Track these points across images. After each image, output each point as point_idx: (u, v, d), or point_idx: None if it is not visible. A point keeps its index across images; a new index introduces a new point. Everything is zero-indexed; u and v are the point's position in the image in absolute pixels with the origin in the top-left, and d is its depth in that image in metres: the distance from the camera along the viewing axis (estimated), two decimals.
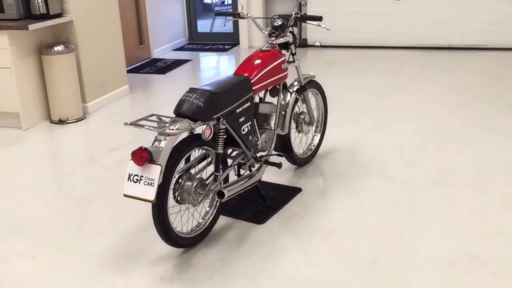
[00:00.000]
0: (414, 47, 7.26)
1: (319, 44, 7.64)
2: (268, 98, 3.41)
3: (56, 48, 4.73)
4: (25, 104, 4.74)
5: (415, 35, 7.23)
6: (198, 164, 2.88)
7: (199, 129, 2.73)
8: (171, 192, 2.70)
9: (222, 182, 2.98)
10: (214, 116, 2.76)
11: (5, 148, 4.43)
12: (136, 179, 2.53)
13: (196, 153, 2.91)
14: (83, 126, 4.90)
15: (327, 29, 3.40)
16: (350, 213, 3.21)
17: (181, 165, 2.72)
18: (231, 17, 3.37)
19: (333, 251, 2.84)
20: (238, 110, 2.94)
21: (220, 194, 2.81)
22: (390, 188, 3.48)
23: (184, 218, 2.99)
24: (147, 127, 2.49)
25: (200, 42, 8.25)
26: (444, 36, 7.11)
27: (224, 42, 8.08)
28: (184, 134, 2.71)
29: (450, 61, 6.59)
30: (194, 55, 7.66)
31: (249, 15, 3.38)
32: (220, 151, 2.84)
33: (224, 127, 2.84)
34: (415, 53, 7.07)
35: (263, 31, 3.41)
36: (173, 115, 2.72)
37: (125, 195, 2.56)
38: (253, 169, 3.21)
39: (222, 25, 8.75)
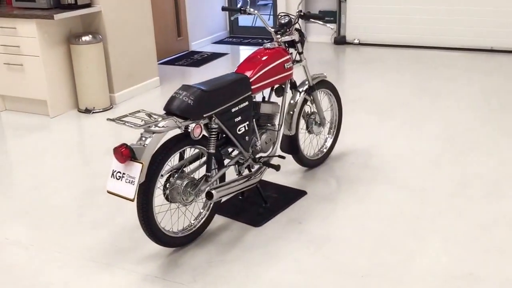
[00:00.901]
0: (455, 48, 6.92)
1: (357, 41, 7.42)
2: (274, 98, 3.32)
3: (84, 38, 4.81)
4: (53, 92, 4.85)
5: (457, 35, 6.88)
6: (190, 164, 2.84)
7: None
8: (159, 190, 2.68)
9: (218, 181, 2.94)
10: (204, 115, 2.70)
11: (30, 135, 4.55)
12: (119, 176, 2.51)
13: (191, 152, 2.87)
14: (109, 115, 4.96)
15: (332, 28, 3.26)
16: (351, 220, 3.08)
17: (170, 163, 2.69)
18: (238, 13, 3.30)
19: (325, 260, 2.73)
20: (233, 110, 2.87)
21: (209, 195, 2.75)
22: (398, 197, 3.32)
23: (176, 217, 2.97)
24: (128, 124, 2.46)
25: (241, 36, 8.20)
26: (488, 37, 6.73)
27: (264, 37, 7.98)
28: (176, 132, 2.67)
29: (490, 64, 6.25)
30: (233, 49, 7.62)
31: (255, 11, 3.30)
32: (212, 151, 2.78)
33: (216, 126, 2.78)
34: (455, 54, 6.75)
35: (269, 28, 3.31)
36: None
37: (108, 192, 2.55)
38: (253, 170, 3.14)
39: (266, 19, 8.65)
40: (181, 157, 2.84)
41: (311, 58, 6.96)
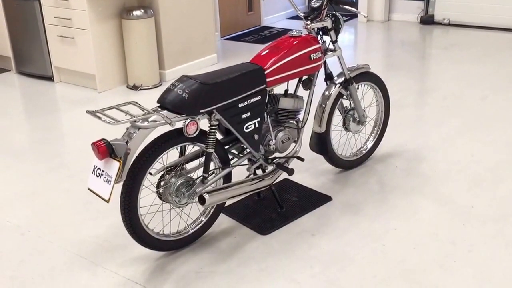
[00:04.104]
0: None
1: (447, 22, 6.68)
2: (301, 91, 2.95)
3: (135, 13, 4.65)
4: (102, 67, 4.76)
5: None
6: (187, 162, 2.57)
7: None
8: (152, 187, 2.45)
9: (222, 182, 2.65)
10: (202, 111, 2.41)
11: (74, 109, 4.49)
12: (99, 173, 2.30)
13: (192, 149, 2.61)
14: (157, 93, 4.78)
15: (365, 16, 2.82)
16: (373, 239, 2.68)
17: (160, 161, 2.44)
18: None
19: (326, 285, 2.37)
20: (241, 105, 2.55)
21: (201, 199, 2.48)
22: (437, 214, 2.85)
23: (170, 218, 2.74)
24: (104, 119, 2.23)
25: None
26: None
27: (343, 13, 7.45)
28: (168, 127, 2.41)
29: None
30: None
31: None
32: (210, 150, 2.49)
33: (216, 123, 2.48)
34: None
35: (300, 13, 2.92)
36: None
37: (88, 189, 2.36)
38: (267, 171, 2.82)
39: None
40: (182, 154, 2.60)
41: (392, 38, 6.38)
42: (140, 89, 4.82)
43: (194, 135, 2.41)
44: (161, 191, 2.50)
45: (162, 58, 4.96)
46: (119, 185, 2.36)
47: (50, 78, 5.12)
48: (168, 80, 5.05)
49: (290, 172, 2.76)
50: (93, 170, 2.33)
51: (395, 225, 2.78)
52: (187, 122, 2.37)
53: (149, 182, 2.58)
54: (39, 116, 4.38)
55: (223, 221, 2.85)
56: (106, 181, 2.26)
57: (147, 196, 2.69)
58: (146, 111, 2.33)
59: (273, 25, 7.14)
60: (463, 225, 2.76)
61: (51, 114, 4.41)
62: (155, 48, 4.83)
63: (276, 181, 3.01)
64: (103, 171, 2.28)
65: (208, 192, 2.49)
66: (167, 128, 2.37)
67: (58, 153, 3.75)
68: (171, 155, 2.70)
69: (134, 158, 2.33)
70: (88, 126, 4.14)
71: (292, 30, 2.86)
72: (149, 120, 2.31)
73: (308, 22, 2.88)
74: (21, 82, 5.21)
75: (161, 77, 5.00)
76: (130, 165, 2.31)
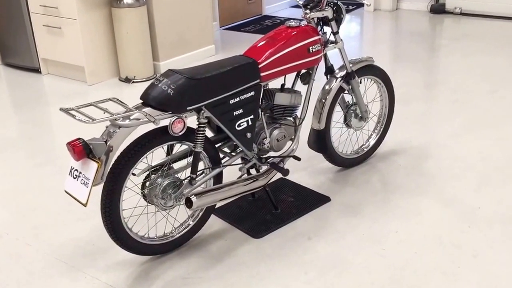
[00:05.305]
0: None
1: (459, 11, 6.42)
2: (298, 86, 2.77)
3: (125, 1, 4.45)
4: (91, 59, 4.57)
5: None
6: (173, 162, 2.40)
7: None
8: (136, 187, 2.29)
9: (212, 183, 2.48)
10: (189, 108, 2.23)
11: (63, 102, 4.31)
12: (76, 175, 2.14)
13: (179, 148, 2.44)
14: None
15: (367, 5, 2.63)
16: (372, 242, 2.51)
17: (144, 160, 2.28)
18: None
19: None
20: (232, 101, 2.37)
21: (188, 201, 2.31)
22: (442, 216, 2.68)
23: (157, 220, 2.57)
24: (79, 118, 2.06)
25: None
26: None
27: (350, 2, 7.23)
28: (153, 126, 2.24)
29: None
30: None
31: None
32: (199, 149, 2.32)
33: (205, 121, 2.31)
34: None
35: (298, 1, 2.74)
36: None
37: (65, 191, 2.19)
38: (261, 171, 2.65)
39: None
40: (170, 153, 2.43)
41: (400, 28, 6.16)
42: (133, 82, 4.64)
43: (181, 133, 2.24)
44: (146, 192, 2.34)
45: (156, 49, 4.77)
46: (100, 186, 2.20)
47: (37, 70, 4.93)
48: (162, 72, 4.87)
49: (285, 172, 2.58)
50: (70, 171, 2.16)
51: (396, 228, 2.61)
52: (172, 121, 2.19)
53: (133, 183, 2.43)
54: (26, 110, 4.21)
55: (214, 223, 2.69)
56: (84, 183, 2.09)
57: (131, 198, 2.54)
58: (127, 109, 2.16)
59: (275, 14, 6.93)
60: (469, 227, 2.59)
61: (38, 108, 4.24)
62: (148, 39, 4.64)
63: (272, 180, 2.84)
64: (80, 172, 2.12)
65: (195, 194, 2.32)
66: (152, 126, 2.20)
67: (44, 149, 3.58)
68: (158, 154, 2.54)
69: (115, 158, 2.17)
70: (77, 121, 3.96)
71: (290, 20, 2.67)
72: (131, 118, 2.14)
73: (308, 11, 2.68)
74: (7, 74, 5.03)
75: (155, 69, 4.82)
76: (111, 166, 2.15)
